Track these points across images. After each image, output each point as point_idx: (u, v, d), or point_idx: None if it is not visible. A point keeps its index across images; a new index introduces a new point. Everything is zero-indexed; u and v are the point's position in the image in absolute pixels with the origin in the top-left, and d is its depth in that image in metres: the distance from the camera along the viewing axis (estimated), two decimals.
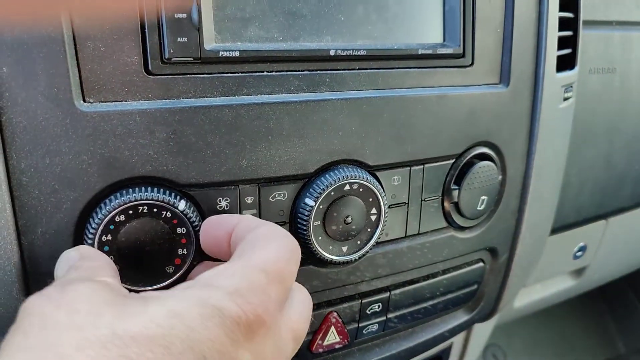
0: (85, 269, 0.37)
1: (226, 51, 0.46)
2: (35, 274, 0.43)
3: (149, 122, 0.44)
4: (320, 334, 0.59)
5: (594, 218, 1.07)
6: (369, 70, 0.53)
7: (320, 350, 0.60)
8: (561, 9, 0.67)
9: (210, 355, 0.31)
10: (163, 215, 0.44)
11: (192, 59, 0.45)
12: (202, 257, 0.49)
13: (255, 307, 0.34)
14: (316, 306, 0.58)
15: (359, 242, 0.55)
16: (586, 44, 0.88)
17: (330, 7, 0.50)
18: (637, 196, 1.11)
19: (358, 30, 0.52)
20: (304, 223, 0.50)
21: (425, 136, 0.56)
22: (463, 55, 0.58)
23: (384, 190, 0.54)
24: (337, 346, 0.61)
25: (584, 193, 1.00)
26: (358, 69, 0.52)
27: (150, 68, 0.44)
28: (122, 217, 0.43)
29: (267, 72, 0.48)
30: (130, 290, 0.45)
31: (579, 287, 1.23)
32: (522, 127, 0.65)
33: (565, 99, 0.72)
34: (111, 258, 0.43)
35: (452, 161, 0.60)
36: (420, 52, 0.55)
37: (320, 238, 0.52)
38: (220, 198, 0.48)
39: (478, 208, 0.63)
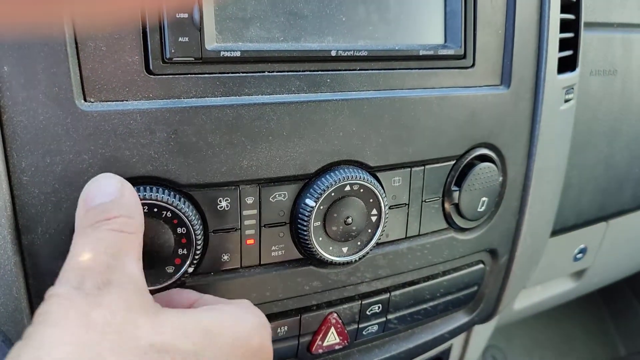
0: (118, 230, 0.37)
1: (227, 51, 0.46)
2: (36, 274, 0.43)
3: (150, 121, 0.43)
4: (320, 335, 0.59)
5: (595, 220, 1.06)
6: (370, 71, 0.53)
7: (320, 351, 0.60)
8: (562, 11, 0.67)
9: None
10: (163, 215, 0.44)
11: (193, 59, 0.45)
12: (201, 258, 0.49)
13: (268, 347, 0.40)
14: (316, 307, 0.58)
15: (359, 243, 0.55)
16: (587, 46, 0.88)
17: (332, 8, 0.50)
18: (638, 198, 1.11)
19: (359, 31, 0.52)
20: (305, 223, 0.50)
21: (426, 137, 0.56)
22: (464, 57, 0.58)
23: (384, 191, 0.54)
24: (336, 347, 0.61)
25: (584, 195, 0.99)
26: (359, 70, 0.52)
27: (151, 68, 0.44)
28: None
29: (268, 72, 0.48)
30: None
31: (579, 289, 1.23)
32: (523, 129, 0.65)
33: (566, 100, 0.71)
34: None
35: (453, 162, 0.60)
36: (421, 53, 0.55)
37: (320, 239, 0.52)
38: (221, 198, 0.48)
39: (478, 209, 0.63)
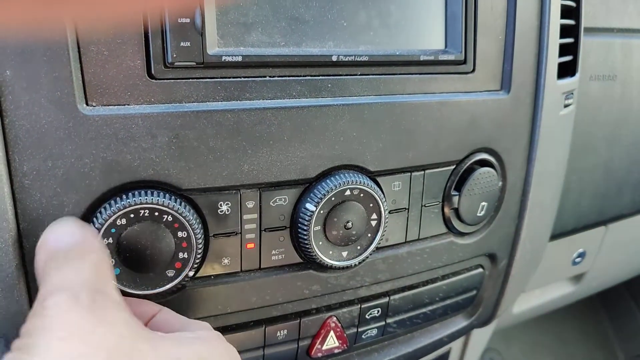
0: (86, 266, 0.35)
1: (229, 56, 0.46)
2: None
3: (151, 126, 0.44)
4: (320, 339, 0.59)
5: (594, 224, 1.07)
6: (370, 76, 0.53)
7: (319, 354, 0.60)
8: (563, 16, 0.67)
9: None
10: (164, 219, 0.44)
11: (194, 64, 0.45)
12: (202, 262, 0.49)
13: None
14: (315, 311, 0.58)
15: (359, 247, 0.55)
16: (587, 51, 0.88)
17: (333, 13, 0.50)
18: (637, 203, 1.11)
19: (360, 36, 0.52)
20: (305, 228, 0.50)
21: (426, 142, 0.57)
22: (464, 62, 0.58)
23: (384, 196, 0.54)
24: (336, 351, 0.61)
25: (583, 199, 1.00)
26: (360, 75, 0.53)
27: (153, 72, 0.44)
28: (124, 221, 0.43)
29: (270, 77, 0.48)
30: (130, 294, 0.45)
31: (577, 293, 1.23)
32: (523, 134, 0.65)
33: (566, 105, 0.72)
34: (112, 261, 0.43)
35: (453, 167, 0.60)
36: (422, 58, 0.55)
37: (320, 243, 0.52)
38: (222, 202, 0.48)
39: (478, 214, 0.64)
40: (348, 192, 0.52)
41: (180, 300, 0.49)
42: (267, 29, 0.48)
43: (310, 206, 0.50)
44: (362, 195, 0.52)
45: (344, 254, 0.54)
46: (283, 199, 0.51)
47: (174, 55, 0.44)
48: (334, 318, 0.59)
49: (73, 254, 0.36)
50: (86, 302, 0.32)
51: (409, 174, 0.57)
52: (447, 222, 0.62)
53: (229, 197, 0.48)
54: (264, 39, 0.48)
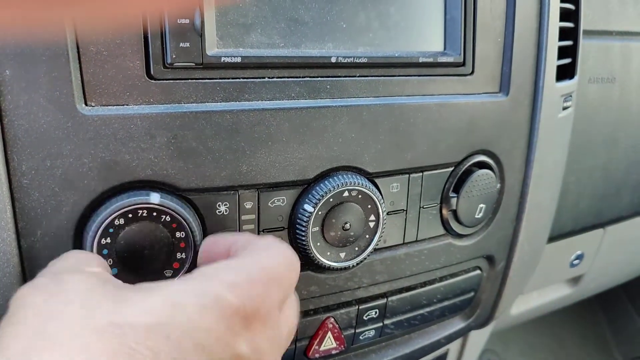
0: (72, 259, 0.38)
1: (228, 57, 0.46)
2: (35, 277, 0.43)
3: (150, 126, 0.44)
4: (317, 339, 0.59)
5: (592, 226, 1.07)
6: (369, 78, 0.53)
7: (317, 355, 0.60)
8: (562, 19, 0.67)
9: (208, 344, 0.31)
10: (162, 219, 0.44)
11: (194, 64, 0.45)
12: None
13: (254, 301, 0.34)
14: (313, 311, 0.58)
15: (357, 249, 0.55)
16: (586, 54, 0.88)
17: (332, 15, 0.51)
18: (635, 205, 1.11)
19: (359, 38, 0.52)
20: (303, 229, 0.51)
21: (424, 144, 0.57)
22: (463, 64, 0.58)
23: (382, 197, 0.54)
24: (333, 352, 0.61)
25: (582, 201, 1.00)
26: (359, 76, 0.53)
27: (152, 73, 0.44)
28: (122, 221, 0.43)
29: (268, 78, 0.49)
30: None
31: (575, 295, 1.23)
32: (521, 136, 0.65)
33: (565, 108, 0.72)
34: (110, 261, 0.43)
35: (451, 169, 0.61)
36: (421, 60, 0.55)
37: (318, 244, 0.52)
38: (220, 203, 0.48)
39: (476, 216, 0.64)
40: (346, 194, 0.52)
41: None
42: (267, 30, 0.48)
43: (308, 207, 0.50)
44: (360, 196, 0.53)
45: (342, 255, 0.54)
46: (281, 200, 0.51)
47: (173, 56, 0.44)
48: (332, 319, 0.59)
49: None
50: (45, 285, 0.33)
51: (408, 175, 0.57)
52: (445, 223, 0.63)
53: (227, 197, 0.48)
54: (263, 40, 0.48)
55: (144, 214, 0.44)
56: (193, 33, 0.44)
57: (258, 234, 0.51)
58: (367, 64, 0.52)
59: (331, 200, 0.51)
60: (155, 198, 0.44)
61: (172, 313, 0.31)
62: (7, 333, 0.30)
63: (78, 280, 0.33)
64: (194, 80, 0.46)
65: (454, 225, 0.63)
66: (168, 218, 0.45)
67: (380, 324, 0.63)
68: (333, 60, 0.50)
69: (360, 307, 0.60)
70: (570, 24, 0.72)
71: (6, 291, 0.43)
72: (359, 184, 0.52)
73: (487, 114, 0.61)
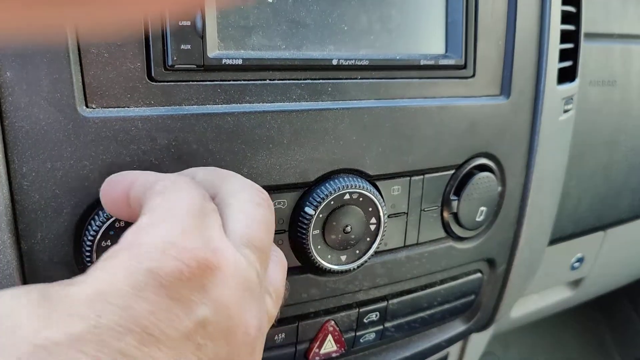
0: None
1: (229, 59, 0.46)
2: (34, 279, 0.43)
3: (151, 128, 0.44)
4: (317, 342, 0.59)
5: (592, 229, 1.07)
6: (371, 80, 0.53)
7: (317, 358, 0.60)
8: (563, 22, 0.67)
9: (156, 327, 0.26)
10: None
11: (195, 66, 0.45)
12: None
13: (194, 252, 0.29)
14: (313, 314, 0.58)
15: (357, 252, 0.55)
16: (587, 57, 0.88)
17: (334, 17, 0.50)
18: (636, 208, 1.11)
19: (361, 40, 0.52)
20: (304, 232, 0.50)
21: (425, 146, 0.57)
22: (465, 67, 0.58)
23: (383, 200, 0.54)
24: (334, 355, 0.61)
25: (582, 204, 1.00)
26: (360, 79, 0.53)
27: (153, 75, 0.44)
28: (122, 223, 0.43)
29: (270, 80, 0.48)
30: None
31: (576, 297, 1.23)
32: (522, 139, 0.65)
33: (566, 111, 0.72)
34: None
35: (452, 172, 0.60)
36: (422, 62, 0.55)
37: (319, 247, 0.52)
38: None
39: (477, 219, 0.63)
40: (347, 196, 0.52)
41: None
42: (268, 33, 0.48)
43: (309, 210, 0.50)
44: (361, 199, 0.52)
45: (343, 258, 0.54)
46: (282, 203, 0.51)
47: (175, 58, 0.44)
48: (332, 322, 0.59)
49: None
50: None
51: (409, 178, 0.57)
52: (446, 226, 0.62)
53: None
54: (265, 42, 0.48)
55: None
56: (194, 35, 0.44)
57: None
58: (368, 67, 0.52)
59: (332, 203, 0.51)
60: None
61: (99, 309, 0.26)
62: None
63: (7, 299, 0.28)
64: (195, 83, 0.45)
65: (455, 228, 0.63)
66: None
67: (381, 327, 0.63)
68: (334, 62, 0.50)
69: (361, 310, 0.60)
70: (571, 27, 0.72)
71: None
72: (360, 186, 0.52)
73: (488, 116, 0.60)
